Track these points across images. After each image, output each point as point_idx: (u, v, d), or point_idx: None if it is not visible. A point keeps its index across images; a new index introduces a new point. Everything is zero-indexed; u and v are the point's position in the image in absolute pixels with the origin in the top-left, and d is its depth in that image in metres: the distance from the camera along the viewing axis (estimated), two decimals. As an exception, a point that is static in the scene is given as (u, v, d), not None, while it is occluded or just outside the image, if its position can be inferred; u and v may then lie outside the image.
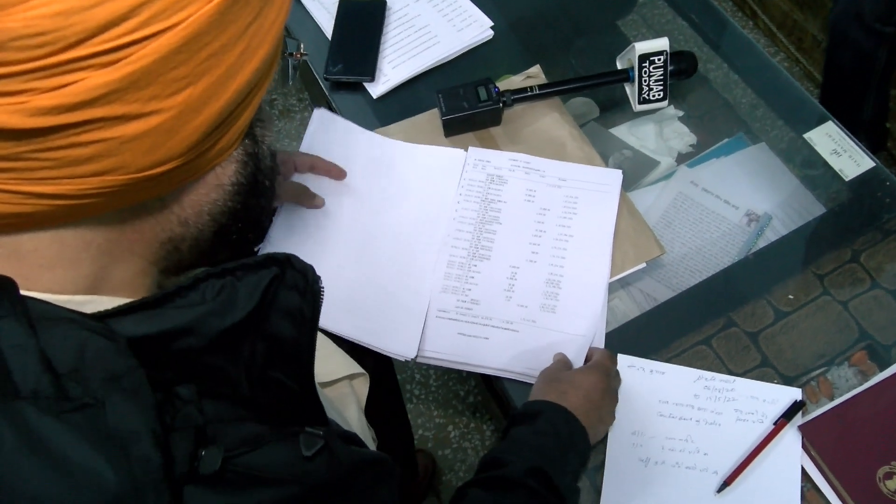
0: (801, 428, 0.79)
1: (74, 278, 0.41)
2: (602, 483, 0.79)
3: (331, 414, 0.70)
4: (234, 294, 0.42)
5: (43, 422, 0.34)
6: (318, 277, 0.46)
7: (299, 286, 0.44)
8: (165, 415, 0.37)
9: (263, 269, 0.43)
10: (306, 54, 0.69)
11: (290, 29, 1.11)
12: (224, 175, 0.46)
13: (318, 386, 0.75)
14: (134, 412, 0.36)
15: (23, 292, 0.38)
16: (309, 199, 0.93)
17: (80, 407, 0.35)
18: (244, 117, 0.44)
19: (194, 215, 0.45)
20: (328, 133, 1.00)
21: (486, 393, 1.65)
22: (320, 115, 1.01)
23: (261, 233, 0.53)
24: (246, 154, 0.46)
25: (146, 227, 0.44)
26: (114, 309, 0.40)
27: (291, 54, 0.65)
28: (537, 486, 0.67)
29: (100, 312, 0.39)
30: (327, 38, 1.11)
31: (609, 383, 0.80)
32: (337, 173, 0.95)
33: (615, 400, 0.81)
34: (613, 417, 0.81)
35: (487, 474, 0.70)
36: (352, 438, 0.52)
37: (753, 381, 0.83)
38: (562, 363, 0.83)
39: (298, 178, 0.95)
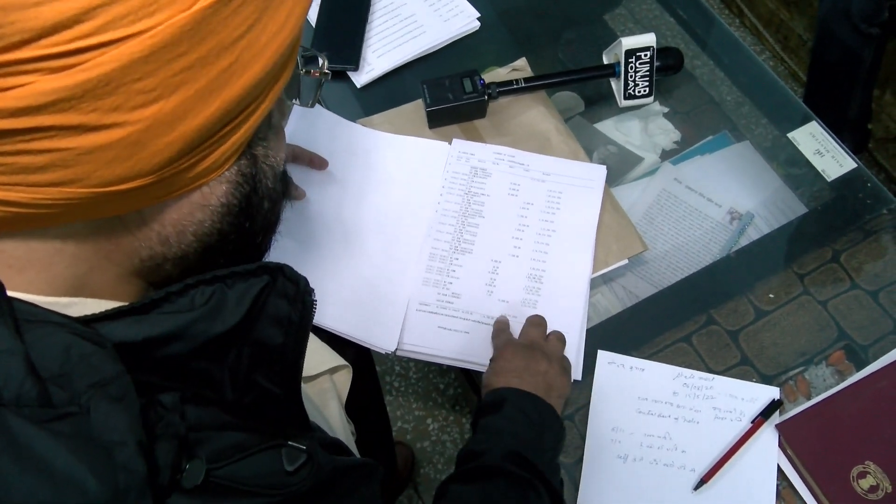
0: (779, 427, 0.80)
1: (49, 281, 0.40)
2: (580, 479, 0.79)
3: (313, 415, 0.70)
4: (223, 301, 0.41)
5: (25, 429, 0.32)
6: (312, 289, 0.44)
7: (289, 294, 0.43)
8: (148, 422, 0.36)
9: (254, 278, 0.42)
10: (328, 73, 0.59)
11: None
12: (212, 195, 0.42)
13: (303, 388, 0.74)
14: (120, 420, 0.35)
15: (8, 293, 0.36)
16: (292, 191, 0.92)
17: (65, 415, 0.33)
18: (236, 137, 0.40)
19: (176, 234, 0.43)
20: (310, 123, 0.99)
21: (465, 386, 1.65)
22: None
23: (258, 255, 0.50)
24: (241, 175, 0.43)
25: (123, 242, 0.42)
26: (101, 313, 0.38)
27: (308, 72, 0.56)
28: (516, 470, 0.67)
29: (86, 316, 0.38)
30: (311, 25, 1.09)
31: (540, 353, 0.78)
32: (319, 163, 0.94)
33: (558, 363, 0.79)
34: (567, 381, 0.79)
35: (465, 467, 0.69)
36: (336, 446, 0.51)
37: (732, 379, 0.83)
38: (501, 331, 0.83)
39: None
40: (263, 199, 0.46)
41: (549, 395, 0.76)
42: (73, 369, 0.35)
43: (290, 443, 0.41)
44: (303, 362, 0.45)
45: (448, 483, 0.68)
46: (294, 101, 0.57)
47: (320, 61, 0.57)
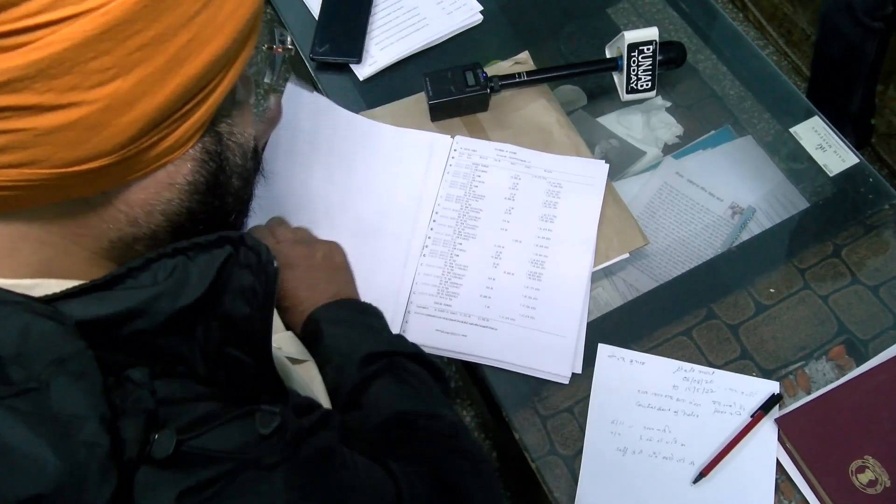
0: (778, 421, 0.80)
1: (14, 266, 0.40)
2: (579, 471, 0.79)
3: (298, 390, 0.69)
4: (186, 275, 0.41)
5: None
6: (273, 257, 0.44)
7: (252, 264, 0.43)
8: (115, 398, 0.36)
9: (217, 249, 0.42)
10: (291, 49, 0.60)
11: (278, 10, 1.09)
12: (178, 174, 0.43)
13: (287, 361, 0.74)
14: (80, 396, 0.35)
15: None
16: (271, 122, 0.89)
17: (23, 392, 0.33)
18: (198, 114, 0.40)
19: (144, 214, 0.43)
20: (312, 114, 0.98)
21: (466, 378, 1.65)
22: (294, 91, 0.99)
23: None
24: (205, 152, 0.43)
25: (91, 224, 0.42)
26: (62, 292, 0.38)
27: (271, 48, 0.58)
28: (378, 368, 0.67)
29: (47, 296, 0.38)
30: (314, 17, 1.09)
31: (308, 247, 0.80)
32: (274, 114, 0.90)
33: (319, 244, 0.81)
34: (341, 252, 0.83)
35: (341, 406, 0.68)
36: (308, 406, 0.50)
37: (732, 373, 0.84)
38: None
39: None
40: (232, 176, 0.46)
41: (337, 278, 0.76)
42: (31, 348, 0.35)
43: (263, 407, 0.41)
44: (271, 331, 0.45)
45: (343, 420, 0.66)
46: (267, 78, 0.58)
47: (288, 39, 0.58)
